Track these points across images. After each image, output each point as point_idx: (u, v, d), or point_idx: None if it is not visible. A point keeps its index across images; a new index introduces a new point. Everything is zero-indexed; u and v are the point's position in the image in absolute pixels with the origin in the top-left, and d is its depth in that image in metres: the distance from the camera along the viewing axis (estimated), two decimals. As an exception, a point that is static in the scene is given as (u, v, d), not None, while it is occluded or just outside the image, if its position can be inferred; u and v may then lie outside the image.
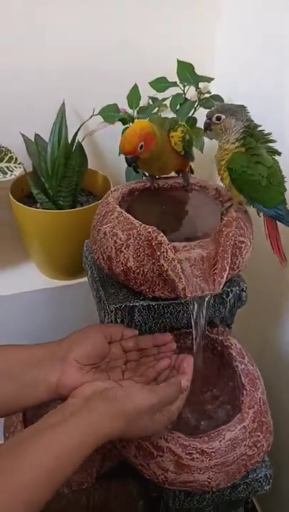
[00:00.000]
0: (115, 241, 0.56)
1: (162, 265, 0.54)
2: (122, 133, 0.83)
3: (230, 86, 0.84)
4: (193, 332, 0.58)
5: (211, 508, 0.64)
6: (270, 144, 0.58)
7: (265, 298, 0.83)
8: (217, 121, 0.56)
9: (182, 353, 0.66)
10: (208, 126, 0.57)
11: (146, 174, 0.68)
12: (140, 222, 0.56)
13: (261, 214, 0.60)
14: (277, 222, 0.59)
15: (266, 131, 0.58)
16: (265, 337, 0.85)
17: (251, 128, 0.56)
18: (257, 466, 0.60)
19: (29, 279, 0.93)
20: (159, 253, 0.54)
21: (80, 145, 0.83)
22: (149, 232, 0.54)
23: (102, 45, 0.83)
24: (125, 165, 0.69)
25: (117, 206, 0.59)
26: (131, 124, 0.82)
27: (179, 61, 0.79)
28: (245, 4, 0.81)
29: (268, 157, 0.57)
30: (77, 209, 0.86)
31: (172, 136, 0.60)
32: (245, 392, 0.59)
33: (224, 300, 0.63)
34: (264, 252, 0.62)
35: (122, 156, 0.60)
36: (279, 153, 0.58)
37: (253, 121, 0.57)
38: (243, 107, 0.57)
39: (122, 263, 0.56)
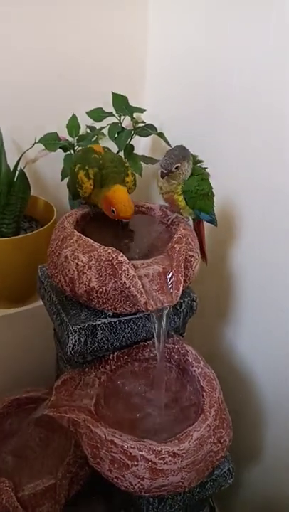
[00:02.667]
0: (77, 263, 0.59)
1: (124, 283, 0.57)
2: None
3: (160, 114, 0.92)
4: (156, 343, 0.62)
5: (182, 511, 0.67)
6: (200, 164, 0.67)
7: (209, 305, 0.90)
8: (176, 170, 0.63)
9: (142, 364, 0.70)
10: (166, 174, 0.63)
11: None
12: (99, 244, 0.59)
13: (190, 220, 0.69)
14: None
15: (194, 154, 0.67)
16: (210, 339, 0.92)
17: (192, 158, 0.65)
18: (221, 462, 0.65)
19: None
20: (120, 272, 0.57)
21: (22, 172, 0.84)
22: (110, 253, 0.58)
23: (40, 79, 0.87)
24: (66, 190, 0.73)
25: (75, 230, 0.62)
26: (72, 152, 0.86)
27: (113, 93, 0.84)
28: (172, 41, 0.90)
29: (206, 172, 0.67)
30: (22, 235, 0.86)
31: (127, 182, 0.67)
32: (204, 393, 0.64)
33: (178, 311, 0.68)
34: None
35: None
36: (207, 172, 0.68)
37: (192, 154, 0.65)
38: (184, 147, 0.64)
39: (84, 284, 0.59)
